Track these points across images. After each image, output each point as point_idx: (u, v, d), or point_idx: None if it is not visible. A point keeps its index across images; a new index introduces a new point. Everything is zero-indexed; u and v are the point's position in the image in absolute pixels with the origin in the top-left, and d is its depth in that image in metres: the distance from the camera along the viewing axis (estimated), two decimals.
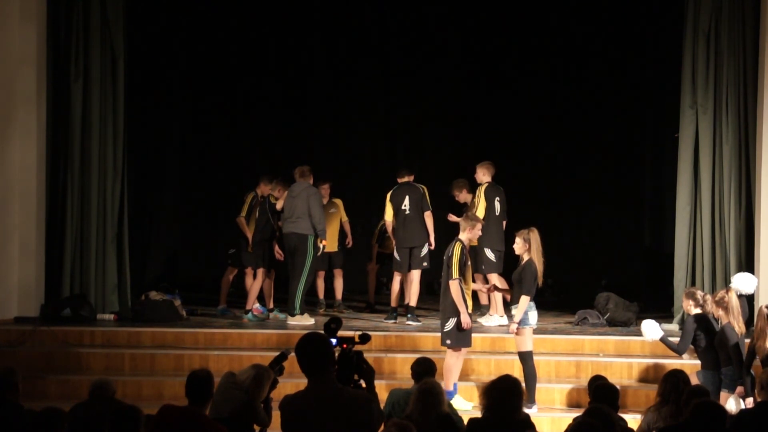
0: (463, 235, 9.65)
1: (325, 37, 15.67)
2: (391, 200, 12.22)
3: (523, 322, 9.40)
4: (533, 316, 9.47)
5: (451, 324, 9.49)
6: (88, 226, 11.89)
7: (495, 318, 11.89)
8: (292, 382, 7.90)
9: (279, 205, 12.19)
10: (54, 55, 11.87)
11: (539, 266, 9.43)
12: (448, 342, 9.56)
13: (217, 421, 6.59)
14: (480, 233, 9.95)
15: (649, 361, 10.34)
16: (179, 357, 10.55)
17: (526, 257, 9.49)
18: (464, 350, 9.68)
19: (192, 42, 15.48)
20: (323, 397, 5.03)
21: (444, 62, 15.64)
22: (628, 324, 11.73)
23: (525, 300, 9.35)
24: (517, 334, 9.46)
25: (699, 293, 9.45)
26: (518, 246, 9.54)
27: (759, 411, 6.80)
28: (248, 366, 7.55)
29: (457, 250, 9.49)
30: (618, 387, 7.59)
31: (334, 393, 5.05)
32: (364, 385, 5.51)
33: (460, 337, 9.51)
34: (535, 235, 9.48)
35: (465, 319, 9.43)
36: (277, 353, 7.65)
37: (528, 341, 9.48)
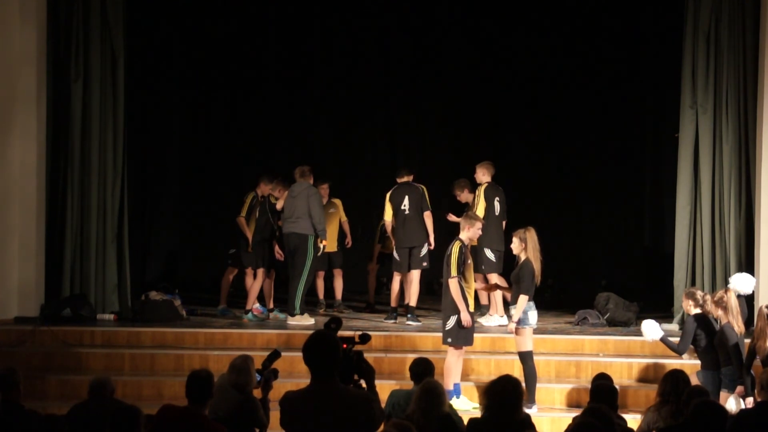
0: (463, 234, 9.66)
1: (326, 36, 15.69)
2: (390, 200, 12.22)
3: (522, 322, 9.41)
4: (533, 315, 9.47)
5: (451, 322, 9.50)
6: (88, 226, 11.89)
7: (495, 318, 11.89)
8: (292, 381, 7.90)
9: (279, 205, 12.20)
10: (54, 55, 11.87)
11: (537, 265, 9.44)
12: (449, 340, 9.57)
13: (216, 421, 6.59)
14: (480, 232, 9.95)
15: (649, 361, 10.34)
16: (179, 357, 10.55)
17: (523, 257, 9.51)
18: (465, 349, 9.69)
19: (192, 42, 15.49)
20: (324, 396, 5.05)
21: (444, 62, 15.64)
22: (628, 324, 11.73)
23: (523, 299, 9.36)
24: (516, 334, 9.47)
25: (699, 293, 9.46)
26: (515, 246, 9.57)
27: (759, 411, 6.80)
28: (228, 366, 7.58)
29: (455, 248, 9.50)
30: (617, 387, 7.59)
31: (335, 392, 5.07)
32: (364, 385, 5.52)
33: (461, 336, 9.52)
34: (531, 235, 9.50)
35: (465, 317, 9.44)
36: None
37: (528, 341, 9.49)
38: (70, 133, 11.87)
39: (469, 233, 9.69)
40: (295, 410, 5.12)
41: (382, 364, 10.03)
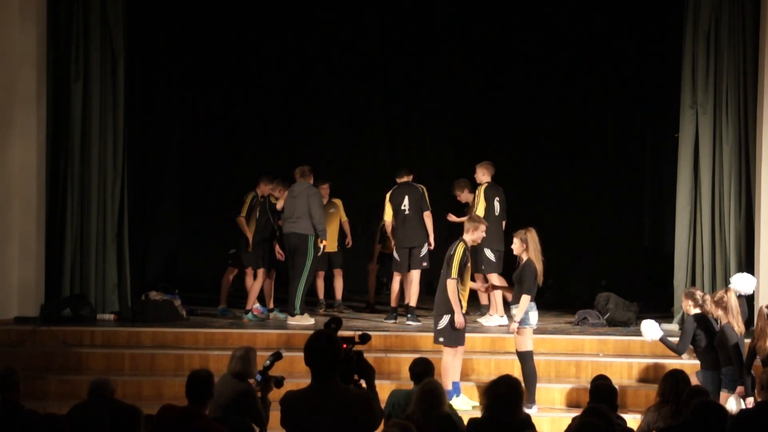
0: (467, 237, 9.67)
1: (325, 37, 15.67)
2: (390, 200, 12.22)
3: (523, 322, 9.41)
4: (534, 316, 9.48)
5: (444, 321, 9.52)
6: (88, 226, 11.88)
7: (495, 318, 11.89)
8: (293, 381, 7.89)
9: (279, 205, 12.20)
10: (54, 55, 11.87)
11: (539, 266, 9.44)
12: (441, 339, 9.59)
13: (216, 420, 6.59)
14: (484, 235, 9.95)
15: (649, 361, 10.34)
16: (179, 357, 10.55)
17: (524, 257, 9.51)
18: (461, 348, 9.68)
19: (192, 42, 15.49)
20: (325, 395, 5.06)
21: (444, 62, 15.64)
22: (628, 324, 11.72)
23: (526, 299, 9.36)
24: (517, 333, 9.47)
25: (698, 293, 9.45)
26: (516, 246, 9.57)
27: (759, 411, 6.80)
28: (230, 357, 7.65)
29: (459, 250, 9.50)
30: (617, 387, 7.59)
31: (335, 391, 5.09)
32: (364, 384, 5.53)
33: (453, 336, 9.54)
34: (532, 235, 9.50)
35: (459, 319, 9.46)
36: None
37: (528, 341, 9.49)
38: (70, 133, 11.87)
39: (473, 236, 9.72)
40: (296, 410, 5.13)
41: (382, 364, 10.03)
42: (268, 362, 7.56)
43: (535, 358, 9.61)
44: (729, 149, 11.46)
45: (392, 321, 12.04)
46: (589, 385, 7.74)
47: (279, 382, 7.53)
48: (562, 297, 14.63)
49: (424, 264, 12.11)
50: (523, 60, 15.40)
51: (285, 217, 11.96)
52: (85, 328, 11.22)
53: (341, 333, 5.55)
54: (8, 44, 11.65)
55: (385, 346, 10.77)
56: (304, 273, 11.75)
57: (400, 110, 16.07)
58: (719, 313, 8.95)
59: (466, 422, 6.57)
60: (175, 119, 15.83)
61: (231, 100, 15.82)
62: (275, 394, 7.36)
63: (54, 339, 10.90)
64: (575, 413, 7.60)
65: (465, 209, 12.45)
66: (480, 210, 11.82)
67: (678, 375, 7.54)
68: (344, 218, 13.30)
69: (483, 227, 9.81)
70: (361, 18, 15.62)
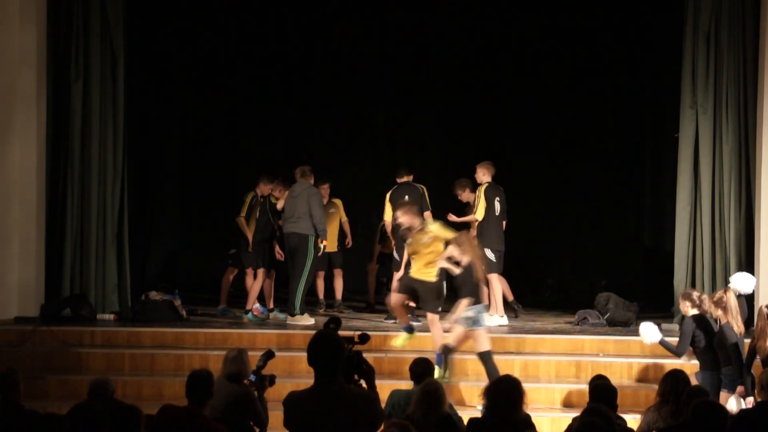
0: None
1: (326, 36, 15.67)
2: (390, 200, 12.22)
3: (476, 323, 9.48)
4: (487, 317, 9.77)
5: None
6: (88, 226, 11.88)
7: (495, 318, 11.87)
8: (293, 381, 7.92)
9: (280, 205, 12.21)
10: (54, 55, 11.87)
11: (479, 264, 9.61)
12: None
13: (216, 420, 6.59)
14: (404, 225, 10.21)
15: (648, 361, 10.34)
16: (179, 357, 10.55)
17: (465, 261, 9.58)
18: (437, 315, 9.90)
19: (192, 42, 15.49)
20: (328, 395, 5.06)
21: (444, 62, 15.64)
22: (628, 324, 11.72)
23: (465, 303, 9.48)
24: (471, 336, 9.58)
25: (695, 294, 9.43)
26: (456, 253, 9.68)
27: (759, 411, 6.81)
28: (223, 360, 7.68)
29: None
30: (616, 387, 7.59)
31: (339, 392, 5.09)
32: (364, 384, 5.53)
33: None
34: (465, 238, 9.73)
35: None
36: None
37: (484, 342, 9.53)
38: (70, 133, 11.86)
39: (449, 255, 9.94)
40: (300, 410, 5.13)
41: (382, 364, 10.03)
42: (260, 362, 7.58)
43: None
44: (729, 149, 11.47)
45: (392, 321, 12.02)
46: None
47: (271, 380, 7.55)
48: (562, 297, 14.64)
49: None
50: (523, 60, 15.40)
51: (285, 217, 11.96)
52: (85, 328, 11.21)
53: (341, 333, 5.55)
54: (8, 44, 11.64)
55: (385, 346, 10.77)
56: (304, 273, 11.75)
57: (400, 110, 16.06)
58: (719, 313, 8.94)
59: (466, 422, 6.57)
60: (175, 119, 15.84)
61: (231, 100, 15.82)
62: (274, 393, 7.39)
63: (54, 339, 10.90)
64: (575, 413, 7.59)
65: (465, 209, 12.45)
66: (480, 210, 11.84)
67: (678, 375, 7.55)
68: (344, 218, 13.30)
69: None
70: (362, 18, 15.62)
